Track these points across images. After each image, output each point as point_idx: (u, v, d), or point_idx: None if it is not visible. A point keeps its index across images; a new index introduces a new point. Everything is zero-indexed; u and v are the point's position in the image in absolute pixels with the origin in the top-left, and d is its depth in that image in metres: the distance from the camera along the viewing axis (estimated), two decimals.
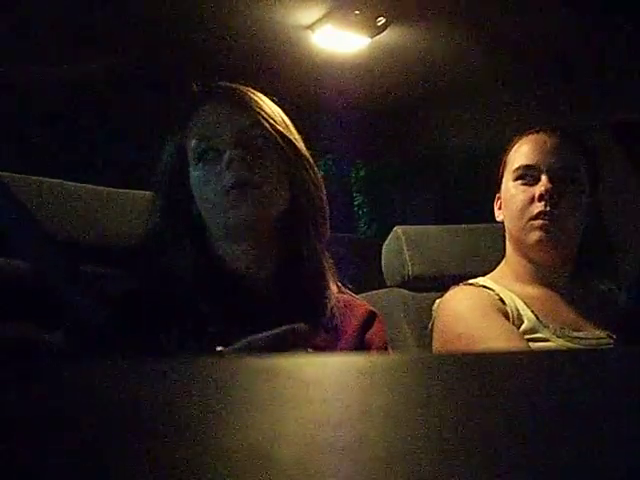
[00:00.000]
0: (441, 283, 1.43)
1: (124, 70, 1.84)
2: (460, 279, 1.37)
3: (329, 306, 0.99)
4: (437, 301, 1.35)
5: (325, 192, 1.04)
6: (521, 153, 1.33)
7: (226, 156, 0.94)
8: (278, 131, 0.98)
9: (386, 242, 1.60)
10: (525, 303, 1.26)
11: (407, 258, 1.53)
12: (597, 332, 1.25)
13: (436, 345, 1.31)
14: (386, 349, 1.04)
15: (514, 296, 1.28)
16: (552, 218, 1.26)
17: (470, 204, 2.47)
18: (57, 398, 0.27)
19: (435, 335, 1.31)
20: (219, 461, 0.20)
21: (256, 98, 1.00)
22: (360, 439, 0.22)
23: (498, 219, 1.40)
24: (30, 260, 1.13)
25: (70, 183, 1.29)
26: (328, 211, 1.04)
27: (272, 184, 0.96)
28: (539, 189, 1.27)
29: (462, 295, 1.29)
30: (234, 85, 1.03)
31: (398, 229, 1.58)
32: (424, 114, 2.10)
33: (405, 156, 2.51)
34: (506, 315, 1.23)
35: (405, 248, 1.54)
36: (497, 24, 1.48)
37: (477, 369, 0.34)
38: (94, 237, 1.24)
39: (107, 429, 0.23)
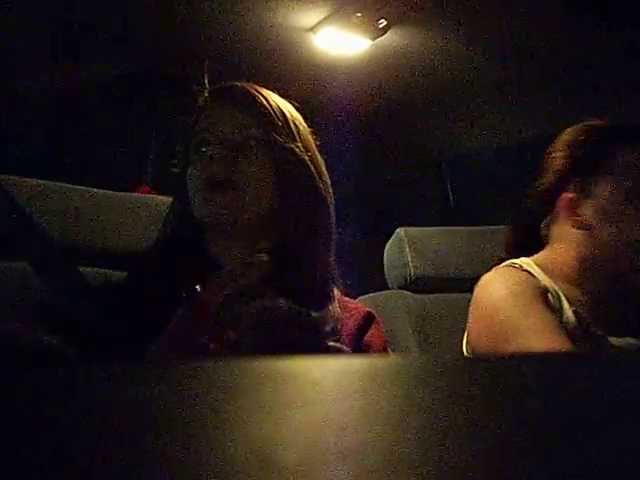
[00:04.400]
0: (443, 285, 1.42)
1: (126, 72, 1.84)
2: (462, 281, 1.35)
3: (330, 308, 0.98)
4: (482, 278, 1.22)
5: (331, 196, 1.04)
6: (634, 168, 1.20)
7: (207, 153, 0.96)
8: (274, 133, 0.98)
9: (388, 243, 1.60)
10: (569, 303, 1.17)
11: (409, 260, 1.52)
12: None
13: (472, 328, 1.20)
14: (386, 350, 1.04)
15: (560, 292, 1.18)
16: None
17: (473, 205, 2.47)
18: (56, 400, 0.27)
19: (472, 318, 1.20)
20: (219, 464, 0.20)
21: (260, 97, 1.00)
22: (362, 442, 0.21)
23: (577, 226, 1.22)
24: (31, 263, 1.13)
25: (72, 186, 1.29)
26: (332, 215, 1.04)
27: (251, 185, 0.95)
28: None
29: (507, 278, 1.17)
30: (240, 84, 1.03)
31: (400, 230, 1.57)
32: (425, 116, 2.10)
33: (406, 157, 2.50)
34: (550, 308, 1.13)
35: (407, 250, 1.53)
36: (497, 26, 1.48)
37: (481, 372, 0.34)
38: (97, 240, 1.25)
39: (107, 432, 0.23)
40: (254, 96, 1.00)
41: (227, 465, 0.20)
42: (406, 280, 1.53)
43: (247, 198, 0.95)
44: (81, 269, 1.18)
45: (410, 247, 1.53)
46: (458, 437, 0.22)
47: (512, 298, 1.13)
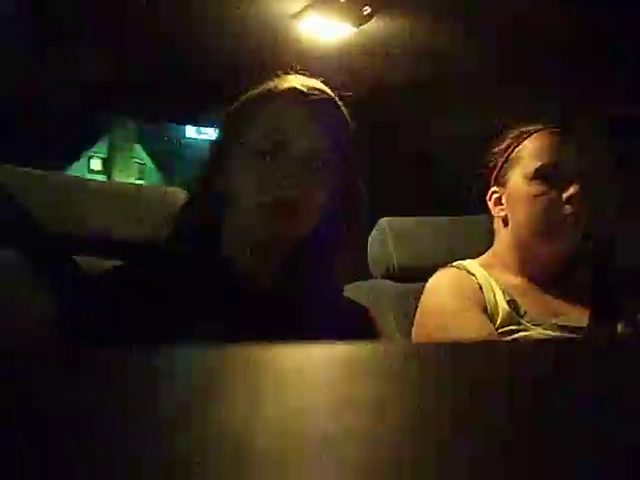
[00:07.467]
0: (426, 274, 1.43)
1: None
2: None
3: (337, 313, 0.98)
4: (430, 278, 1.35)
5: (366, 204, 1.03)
6: (541, 151, 1.29)
7: (284, 170, 0.89)
8: (346, 154, 0.96)
9: (371, 233, 1.60)
10: (504, 293, 1.27)
11: (392, 249, 1.53)
12: (582, 317, 1.26)
13: (415, 330, 1.32)
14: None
15: (495, 285, 1.28)
16: (576, 222, 1.24)
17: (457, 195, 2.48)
18: (36, 389, 0.26)
19: (416, 318, 1.32)
20: (198, 451, 0.19)
21: (342, 118, 0.97)
22: (342, 429, 0.21)
23: (499, 215, 1.36)
24: (21, 251, 1.12)
25: (71, 175, 1.29)
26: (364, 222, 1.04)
27: (312, 210, 0.92)
28: (569, 191, 1.24)
29: (446, 282, 1.30)
30: (327, 94, 0.98)
31: (383, 220, 1.58)
32: (409, 103, 2.10)
33: (389, 145, 2.51)
34: (483, 305, 1.25)
35: (390, 239, 1.54)
36: (482, 14, 1.48)
37: (464, 358, 0.33)
38: (97, 230, 1.24)
39: (84, 419, 0.22)
40: (338, 117, 0.97)
41: (204, 452, 0.19)
42: (389, 269, 1.54)
43: (305, 219, 0.92)
44: (81, 259, 1.17)
45: (393, 237, 1.54)
46: (440, 424, 0.22)
47: (450, 304, 1.25)
